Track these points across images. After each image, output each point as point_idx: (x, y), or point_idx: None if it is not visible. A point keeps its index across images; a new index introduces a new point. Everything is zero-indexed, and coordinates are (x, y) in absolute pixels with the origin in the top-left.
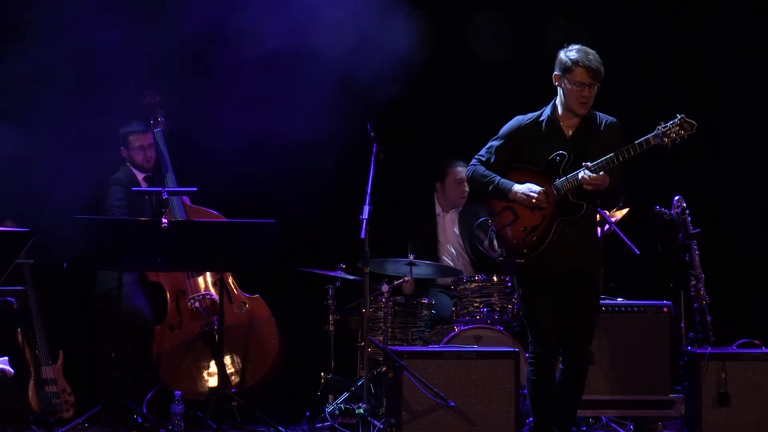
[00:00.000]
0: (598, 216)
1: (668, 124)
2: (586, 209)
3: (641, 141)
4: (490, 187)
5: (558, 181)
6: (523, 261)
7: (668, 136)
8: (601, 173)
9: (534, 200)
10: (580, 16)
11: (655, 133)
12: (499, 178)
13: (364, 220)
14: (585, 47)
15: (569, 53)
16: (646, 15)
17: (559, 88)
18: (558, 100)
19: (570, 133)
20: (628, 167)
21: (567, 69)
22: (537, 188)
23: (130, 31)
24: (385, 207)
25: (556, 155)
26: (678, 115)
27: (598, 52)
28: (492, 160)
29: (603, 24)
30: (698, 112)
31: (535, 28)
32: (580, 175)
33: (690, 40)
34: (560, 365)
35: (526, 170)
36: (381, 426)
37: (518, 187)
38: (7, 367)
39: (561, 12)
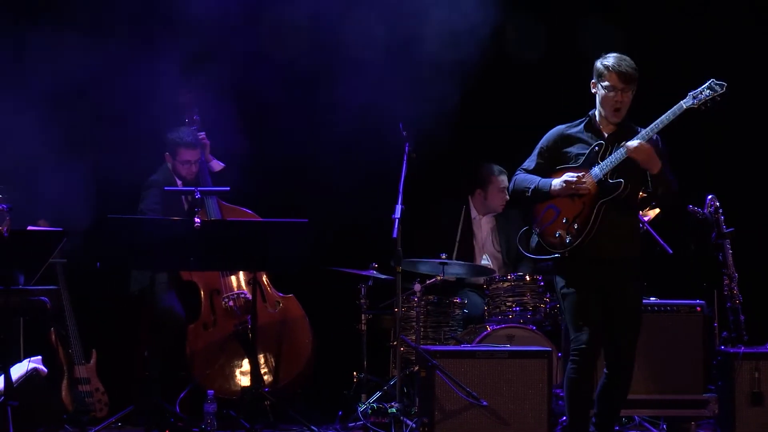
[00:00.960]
0: (633, 190)
1: (698, 89)
2: (624, 187)
3: (673, 109)
4: (531, 189)
5: (596, 167)
6: (566, 254)
7: (699, 100)
8: (642, 142)
9: (574, 184)
10: (616, 17)
11: (685, 99)
12: (539, 178)
13: (397, 220)
14: (621, 54)
15: (605, 60)
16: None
17: (596, 95)
18: (596, 110)
19: (608, 134)
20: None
21: (600, 74)
22: (574, 173)
23: (161, 29)
24: (418, 207)
25: (595, 145)
26: (708, 80)
27: (635, 54)
28: (533, 167)
29: (640, 25)
30: (732, 110)
31: (568, 29)
32: (627, 144)
33: (725, 37)
34: (604, 369)
35: (566, 170)
36: (413, 425)
37: (557, 180)
38: (41, 367)
39: (595, 13)
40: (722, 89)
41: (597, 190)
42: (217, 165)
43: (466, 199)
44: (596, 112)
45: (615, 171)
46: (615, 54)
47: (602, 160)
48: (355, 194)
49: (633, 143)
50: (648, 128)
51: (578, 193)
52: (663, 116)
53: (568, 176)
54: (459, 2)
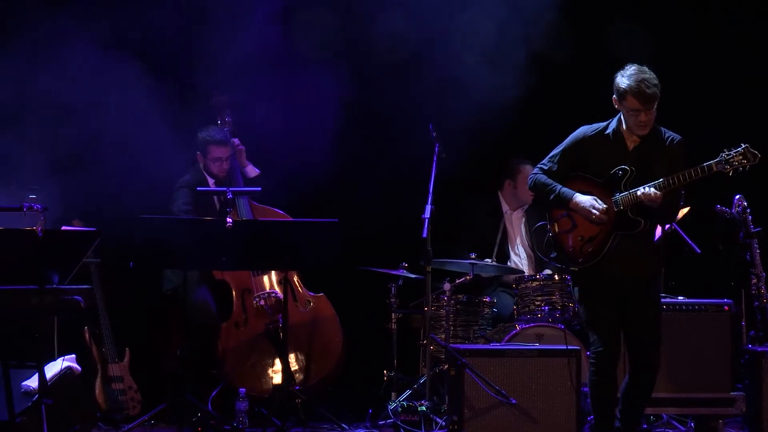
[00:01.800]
0: (646, 224)
1: (732, 153)
2: (644, 226)
3: (703, 166)
4: (552, 196)
5: (618, 196)
6: (576, 269)
7: (731, 164)
8: (659, 192)
9: (594, 216)
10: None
11: (718, 160)
12: (559, 186)
13: (426, 220)
14: (641, 68)
15: (624, 78)
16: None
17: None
18: (622, 119)
19: (632, 147)
20: (690, 166)
21: (622, 96)
22: (601, 205)
23: (197, 31)
24: (448, 206)
25: (619, 170)
26: (742, 144)
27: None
28: (554, 168)
29: (668, 31)
30: (759, 110)
31: (597, 29)
32: (639, 192)
33: (754, 44)
34: (627, 371)
35: (587, 180)
36: (443, 423)
37: (581, 198)
38: (75, 365)
39: (621, 14)
40: (755, 160)
41: (615, 220)
42: (252, 171)
43: (496, 195)
44: (622, 123)
45: (637, 206)
46: (634, 69)
47: (625, 188)
48: (385, 194)
49: (649, 193)
50: (668, 178)
51: (597, 222)
52: (690, 172)
53: (594, 207)
54: (487, 3)
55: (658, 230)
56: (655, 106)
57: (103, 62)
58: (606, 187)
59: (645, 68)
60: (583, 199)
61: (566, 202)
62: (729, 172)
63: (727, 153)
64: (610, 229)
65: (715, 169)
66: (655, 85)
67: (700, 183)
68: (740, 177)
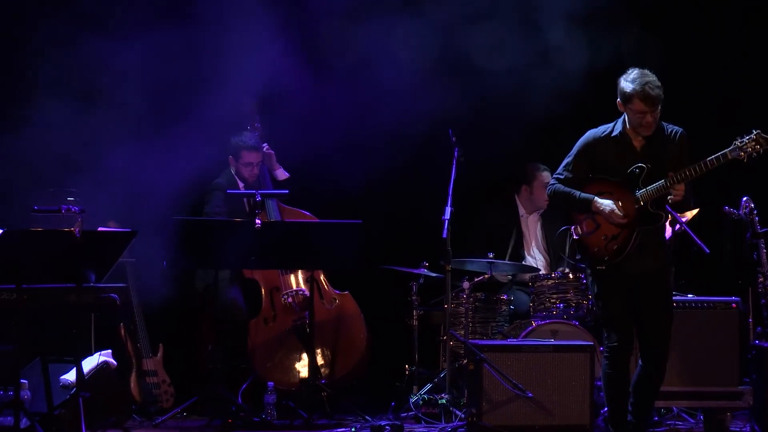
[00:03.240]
0: (669, 216)
1: (744, 140)
2: (665, 218)
3: (719, 155)
4: (572, 203)
5: (638, 193)
6: (604, 267)
7: (744, 151)
8: (682, 185)
9: (617, 220)
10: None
11: (731, 148)
12: (578, 193)
13: (446, 221)
14: (644, 71)
15: (627, 82)
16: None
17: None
18: (626, 121)
19: (640, 146)
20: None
21: (626, 99)
22: (621, 213)
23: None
24: (466, 208)
25: (636, 167)
26: (754, 130)
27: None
28: (570, 176)
29: (677, 33)
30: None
31: (608, 38)
32: (671, 197)
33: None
34: (639, 361)
35: (604, 181)
36: (462, 415)
37: (602, 202)
38: (111, 360)
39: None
40: (767, 144)
41: (636, 215)
42: (282, 174)
43: (513, 198)
44: (627, 124)
45: (655, 201)
46: (637, 73)
47: (644, 185)
48: (408, 197)
49: (678, 195)
50: (690, 169)
51: (620, 224)
52: (704, 163)
53: (616, 212)
54: (503, 10)
55: (668, 230)
56: (659, 108)
57: (145, 65)
58: (625, 186)
59: (647, 71)
60: (604, 203)
61: (587, 206)
62: (744, 158)
63: (740, 140)
64: (633, 226)
65: (729, 156)
66: (658, 87)
67: (709, 186)
68: (747, 179)
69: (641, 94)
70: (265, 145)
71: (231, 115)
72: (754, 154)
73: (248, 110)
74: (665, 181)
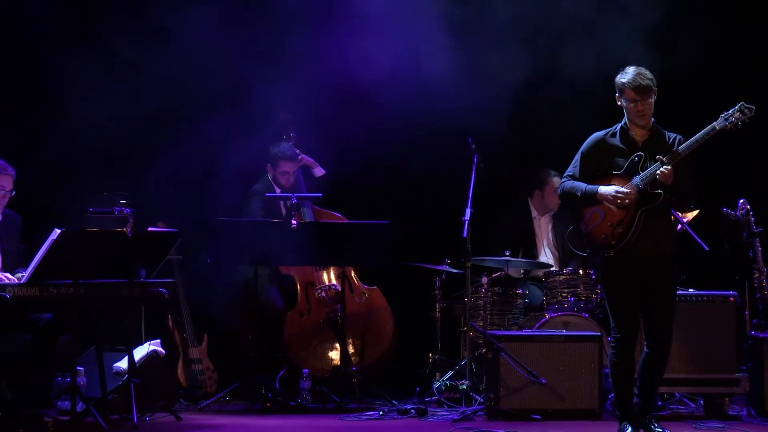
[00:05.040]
0: (672, 217)
1: (729, 112)
2: (664, 197)
3: (707, 129)
4: (579, 194)
5: (637, 178)
6: (612, 254)
7: (730, 122)
8: (669, 167)
9: (621, 200)
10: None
11: (718, 121)
12: (584, 185)
13: (466, 221)
14: (638, 67)
15: (621, 77)
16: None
17: (623, 108)
18: (627, 120)
19: (641, 141)
20: (699, 173)
21: (621, 91)
22: (624, 189)
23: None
24: (484, 210)
25: (635, 156)
26: (738, 103)
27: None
28: (577, 174)
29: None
30: (761, 123)
31: (615, 46)
32: (657, 172)
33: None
34: (645, 347)
35: (608, 175)
36: (481, 400)
37: (605, 188)
38: (160, 349)
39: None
40: (751, 113)
41: (638, 198)
42: (319, 171)
43: (526, 201)
44: (627, 123)
45: (654, 181)
46: (632, 69)
47: (642, 170)
48: (431, 200)
49: (664, 171)
50: (683, 146)
51: (624, 205)
52: (697, 136)
53: (618, 190)
54: (516, 19)
55: (683, 219)
56: (652, 99)
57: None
58: (627, 175)
59: (642, 68)
60: (607, 189)
61: (593, 195)
62: (730, 128)
63: (725, 113)
64: (636, 207)
65: (717, 128)
66: (650, 79)
67: (709, 189)
68: (744, 183)
69: (633, 82)
70: (301, 156)
71: (268, 125)
72: (739, 123)
73: (285, 120)
74: (660, 161)
